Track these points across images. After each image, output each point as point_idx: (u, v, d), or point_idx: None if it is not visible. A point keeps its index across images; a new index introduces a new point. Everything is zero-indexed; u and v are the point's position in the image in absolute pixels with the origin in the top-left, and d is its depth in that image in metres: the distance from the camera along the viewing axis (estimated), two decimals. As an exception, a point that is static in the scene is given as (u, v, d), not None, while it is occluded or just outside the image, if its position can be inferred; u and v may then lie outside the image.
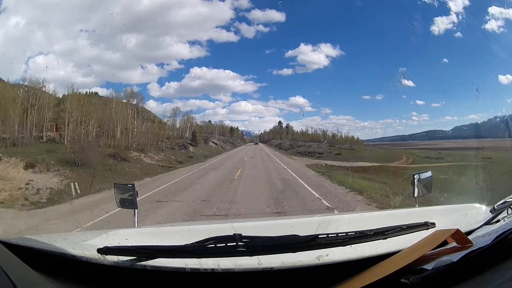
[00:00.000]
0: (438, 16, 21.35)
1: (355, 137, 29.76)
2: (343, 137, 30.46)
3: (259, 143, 37.39)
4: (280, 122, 37.23)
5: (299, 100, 31.53)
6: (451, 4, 20.57)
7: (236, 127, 38.85)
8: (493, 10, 19.46)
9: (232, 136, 40.03)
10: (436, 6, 20.94)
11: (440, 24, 21.07)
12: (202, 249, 1.04)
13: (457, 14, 20.66)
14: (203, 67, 31.50)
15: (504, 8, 18.93)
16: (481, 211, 1.48)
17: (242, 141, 39.54)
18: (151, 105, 31.57)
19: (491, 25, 19.51)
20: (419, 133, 26.30)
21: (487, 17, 19.61)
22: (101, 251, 1.02)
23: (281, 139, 37.08)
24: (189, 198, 9.45)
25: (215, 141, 34.27)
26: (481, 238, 1.01)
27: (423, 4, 21.30)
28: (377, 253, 1.02)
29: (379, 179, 13.58)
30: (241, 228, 1.16)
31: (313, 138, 32.44)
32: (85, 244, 1.27)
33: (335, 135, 30.92)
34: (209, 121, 35.04)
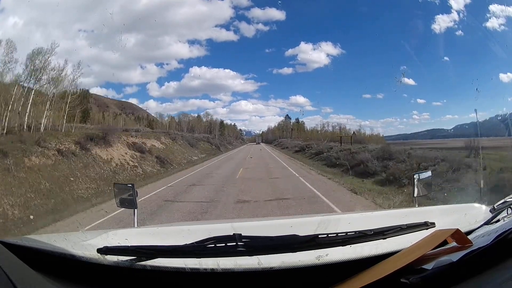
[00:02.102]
0: (439, 14, 21.37)
1: (381, 135, 24.76)
2: (367, 134, 24.57)
3: (261, 143, 35.05)
4: (287, 116, 31.49)
5: (300, 99, 31.18)
6: (452, 2, 20.53)
7: (233, 123, 33.69)
8: (494, 7, 19.44)
9: (223, 135, 30.19)
10: (437, 3, 20.94)
11: (441, 22, 21.07)
12: (202, 249, 1.04)
13: (458, 12, 20.65)
14: (203, 67, 31.19)
15: (505, 5, 18.92)
16: (481, 211, 1.48)
17: (239, 141, 35.25)
18: (151, 105, 30.68)
19: (492, 23, 19.52)
20: (421, 131, 26.21)
21: (488, 15, 19.63)
22: (101, 251, 1.02)
23: (291, 137, 30.18)
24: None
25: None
26: (481, 238, 1.01)
27: (424, 2, 21.29)
28: (376, 253, 1.02)
29: None
30: (241, 228, 1.17)
31: (332, 136, 24.62)
32: (85, 244, 1.27)
33: (357, 133, 24.79)
34: (198, 115, 29.52)
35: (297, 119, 31.80)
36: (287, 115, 32.58)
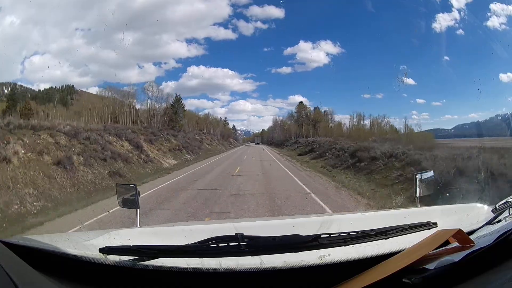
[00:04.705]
0: (439, 13, 21.23)
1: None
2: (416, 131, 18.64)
3: (261, 144, 33.44)
4: (301, 103, 24.57)
5: (299, 99, 30.70)
6: (453, 0, 20.43)
7: (223, 118, 29.14)
8: (495, 6, 19.36)
9: (182, 130, 16.36)
10: (438, 2, 20.83)
11: (442, 21, 20.97)
12: (204, 249, 1.04)
13: (459, 10, 20.56)
14: (201, 66, 30.66)
15: (505, 4, 18.85)
16: (483, 211, 1.47)
17: (228, 142, 31.67)
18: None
19: (493, 22, 19.44)
20: (422, 132, 26.04)
21: (488, 14, 19.54)
22: (103, 251, 1.02)
23: (312, 136, 19.69)
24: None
25: None
26: (483, 238, 1.01)
27: (425, 0, 21.17)
28: (379, 253, 1.02)
29: None
30: (243, 228, 1.17)
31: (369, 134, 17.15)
32: (86, 244, 1.27)
33: (410, 129, 18.02)
34: (172, 106, 22.95)
35: (316, 107, 21.88)
36: (301, 102, 23.50)
